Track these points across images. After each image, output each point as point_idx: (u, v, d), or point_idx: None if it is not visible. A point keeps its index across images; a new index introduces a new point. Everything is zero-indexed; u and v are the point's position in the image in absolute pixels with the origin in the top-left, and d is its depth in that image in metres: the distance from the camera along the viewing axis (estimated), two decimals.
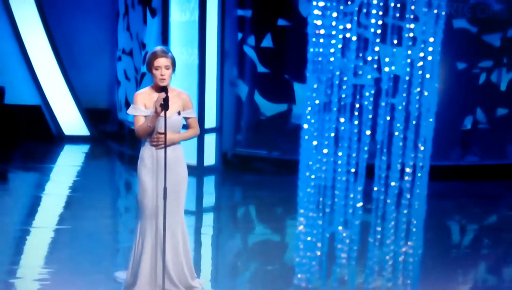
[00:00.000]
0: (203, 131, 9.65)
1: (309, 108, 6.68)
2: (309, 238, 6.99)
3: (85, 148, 12.03)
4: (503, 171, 10.38)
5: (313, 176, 6.96)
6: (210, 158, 10.31)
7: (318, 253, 6.96)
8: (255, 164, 10.46)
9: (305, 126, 6.82)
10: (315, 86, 6.56)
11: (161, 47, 5.69)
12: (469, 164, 10.37)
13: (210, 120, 10.20)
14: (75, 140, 12.20)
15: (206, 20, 10.17)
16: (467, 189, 9.58)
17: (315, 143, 6.77)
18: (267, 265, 6.87)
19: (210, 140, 10.27)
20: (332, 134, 6.74)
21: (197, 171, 9.98)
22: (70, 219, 8.30)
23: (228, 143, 10.57)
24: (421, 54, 6.53)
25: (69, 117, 12.33)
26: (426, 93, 6.57)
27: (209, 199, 9.60)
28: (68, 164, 11.39)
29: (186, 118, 5.66)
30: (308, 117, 6.71)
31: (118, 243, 7.65)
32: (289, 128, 10.48)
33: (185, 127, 5.74)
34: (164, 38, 10.37)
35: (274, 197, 9.36)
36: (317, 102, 6.59)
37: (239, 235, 8.04)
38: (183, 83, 9.61)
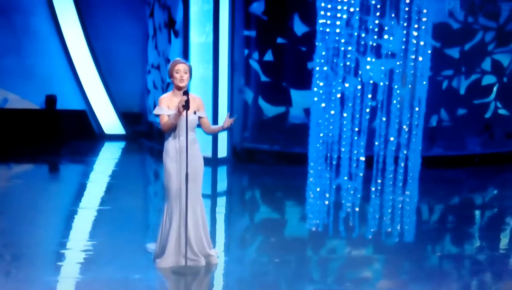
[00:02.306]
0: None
1: (317, 75, 6.48)
2: (318, 189, 6.81)
3: (121, 144, 12.00)
4: (462, 161, 10.30)
5: (321, 134, 6.74)
6: (222, 151, 10.28)
7: (326, 202, 6.80)
8: (259, 156, 10.40)
9: (315, 89, 6.61)
10: (323, 53, 6.37)
11: (180, 58, 5.78)
12: (435, 155, 10.27)
13: (223, 120, 10.06)
14: (114, 138, 12.17)
15: (219, 40, 10.14)
16: (433, 175, 9.47)
17: (323, 105, 6.56)
18: (270, 237, 6.80)
19: (223, 137, 10.23)
20: (338, 95, 6.53)
21: (212, 162, 9.93)
22: (110, 201, 8.26)
23: (237, 139, 10.52)
24: (416, 26, 6.32)
25: (108, 119, 12.31)
26: (420, 58, 6.37)
27: (222, 185, 9.56)
28: (107, 158, 11.36)
29: (199, 117, 5.65)
30: (318, 82, 6.52)
31: (149, 220, 7.59)
32: (287, 127, 10.46)
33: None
34: (185, 55, 10.33)
35: (275, 183, 9.30)
36: (325, 68, 6.40)
37: (246, 214, 8.00)
38: (200, 91, 9.61)
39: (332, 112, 6.53)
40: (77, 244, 6.40)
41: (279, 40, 10.37)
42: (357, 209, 7.00)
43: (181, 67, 5.52)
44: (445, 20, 10.19)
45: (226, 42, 10.20)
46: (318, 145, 6.61)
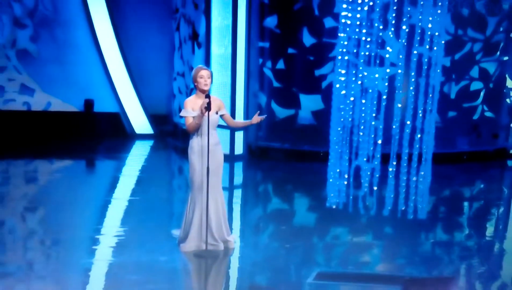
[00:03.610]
0: (234, 129, 9.60)
1: (339, 63, 6.33)
2: (338, 170, 6.65)
3: (150, 143, 11.96)
4: (453, 158, 10.16)
5: (342, 119, 6.56)
6: (239, 149, 10.22)
7: (345, 182, 6.65)
8: (271, 153, 10.33)
9: (337, 77, 6.44)
10: (345, 42, 6.21)
11: (203, 65, 5.75)
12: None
13: (241, 118, 10.10)
14: (143, 137, 12.14)
15: (237, 51, 10.09)
16: None
17: (343, 92, 6.39)
18: (281, 225, 6.74)
19: (239, 136, 10.17)
20: (359, 82, 6.37)
21: (230, 158, 9.87)
22: (139, 192, 8.21)
23: (252, 138, 10.45)
24: (430, 18, 6.17)
25: (139, 121, 12.28)
26: (435, 48, 6.22)
27: (238, 178, 9.49)
28: (138, 154, 11.32)
29: (222, 115, 5.60)
30: (339, 70, 6.37)
31: (173, 209, 7.53)
32: (296, 127, 10.38)
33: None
34: (207, 64, 10.27)
35: (285, 177, 9.23)
36: (346, 58, 6.26)
37: (260, 204, 7.94)
38: (220, 95, 9.55)
39: (352, 98, 6.36)
40: (110, 230, 6.36)
41: (290, 51, 10.30)
42: (375, 188, 6.85)
43: (205, 73, 5.52)
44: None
45: (243, 52, 10.15)
46: (339, 129, 6.47)
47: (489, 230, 6.92)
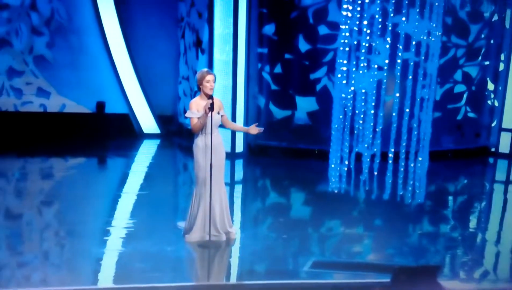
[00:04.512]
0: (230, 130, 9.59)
1: (340, 54, 6.31)
2: (339, 155, 6.61)
3: (157, 142, 11.92)
4: (438, 155, 10.10)
5: (345, 108, 6.53)
6: (239, 147, 10.19)
7: (346, 168, 6.62)
8: (270, 151, 10.29)
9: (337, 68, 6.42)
10: (347, 34, 6.20)
11: (207, 69, 5.69)
12: (415, 151, 10.10)
13: (240, 122, 10.07)
14: (151, 136, 12.09)
15: (237, 56, 10.07)
16: None
17: (344, 82, 6.38)
18: (279, 218, 6.71)
19: (240, 135, 10.14)
20: (361, 72, 6.37)
21: (231, 156, 9.83)
22: (147, 187, 8.19)
23: (252, 137, 10.35)
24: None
25: (147, 121, 12.24)
26: (432, 39, 6.22)
27: (239, 175, 9.46)
28: (146, 152, 11.29)
29: (221, 116, 5.58)
30: (340, 60, 6.36)
31: (178, 203, 7.51)
32: (292, 127, 10.35)
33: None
34: (209, 69, 10.24)
35: (283, 174, 9.19)
36: (347, 49, 6.25)
37: (259, 198, 7.90)
38: (222, 98, 9.52)
39: (352, 88, 6.34)
40: (120, 222, 6.34)
41: (287, 56, 10.27)
42: (375, 173, 6.81)
43: (211, 78, 5.50)
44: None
45: (243, 58, 10.12)
46: (341, 117, 6.45)
47: (472, 222, 6.90)
